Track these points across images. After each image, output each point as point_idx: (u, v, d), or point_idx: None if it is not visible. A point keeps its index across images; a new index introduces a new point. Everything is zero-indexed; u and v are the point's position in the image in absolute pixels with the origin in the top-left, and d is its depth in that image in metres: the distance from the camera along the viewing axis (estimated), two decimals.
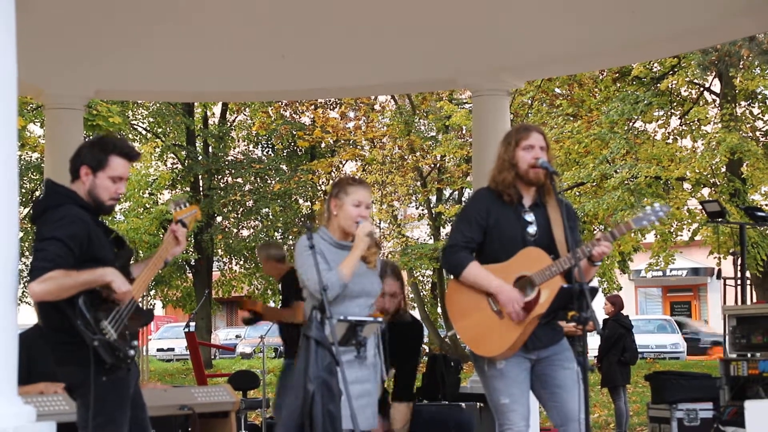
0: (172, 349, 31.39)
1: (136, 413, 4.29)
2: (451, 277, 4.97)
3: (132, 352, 4.11)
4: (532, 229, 4.81)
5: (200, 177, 24.62)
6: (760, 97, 19.26)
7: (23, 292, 13.58)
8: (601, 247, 4.67)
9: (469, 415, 6.65)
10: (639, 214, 4.83)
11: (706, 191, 18.12)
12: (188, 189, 24.60)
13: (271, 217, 24.61)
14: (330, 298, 4.64)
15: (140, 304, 4.26)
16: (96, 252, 4.10)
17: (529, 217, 4.83)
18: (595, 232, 18.12)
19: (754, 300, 13.70)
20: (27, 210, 20.69)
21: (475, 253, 4.85)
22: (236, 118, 26.85)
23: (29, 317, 5.07)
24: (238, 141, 27.11)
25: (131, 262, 4.46)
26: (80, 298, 3.97)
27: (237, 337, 32.87)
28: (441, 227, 23.75)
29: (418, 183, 23.07)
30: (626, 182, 17.07)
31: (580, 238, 4.97)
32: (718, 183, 17.86)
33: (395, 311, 6.12)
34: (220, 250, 25.20)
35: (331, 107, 24.01)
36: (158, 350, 31.15)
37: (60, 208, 4.10)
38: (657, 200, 16.70)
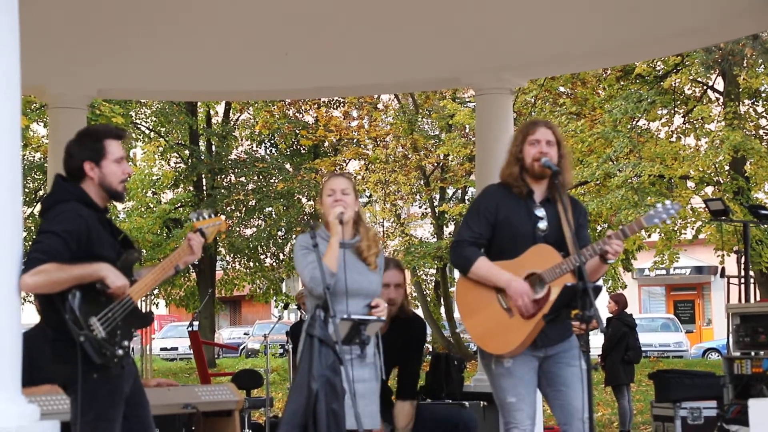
0: (176, 348, 31.43)
1: (137, 411, 4.27)
2: (457, 273, 4.96)
3: (120, 351, 4.05)
4: (543, 225, 4.78)
5: (203, 176, 24.62)
6: (764, 95, 19.25)
7: None
8: (614, 246, 4.64)
9: (472, 415, 6.64)
10: (650, 212, 4.79)
11: (709, 189, 18.11)
12: (191, 188, 24.61)
13: (274, 216, 24.62)
14: (321, 293, 4.68)
15: (142, 305, 4.24)
16: (96, 249, 4.08)
17: (540, 212, 4.81)
18: (599, 230, 18.11)
19: (758, 298, 13.68)
20: (30, 210, 20.71)
21: (483, 249, 4.83)
22: (239, 117, 26.86)
23: (33, 317, 5.07)
24: (242, 140, 27.12)
25: (140, 265, 4.44)
26: (71, 293, 3.95)
27: (245, 334, 32.90)
28: (444, 226, 23.74)
29: (422, 182, 23.06)
30: (630, 181, 17.05)
31: (590, 236, 4.96)
32: (722, 181, 17.85)
33: (401, 304, 6.13)
34: (223, 249, 25.21)
35: (335, 106, 24.01)
36: (162, 349, 31.18)
37: (63, 204, 4.10)
38: (660, 199, 16.69)
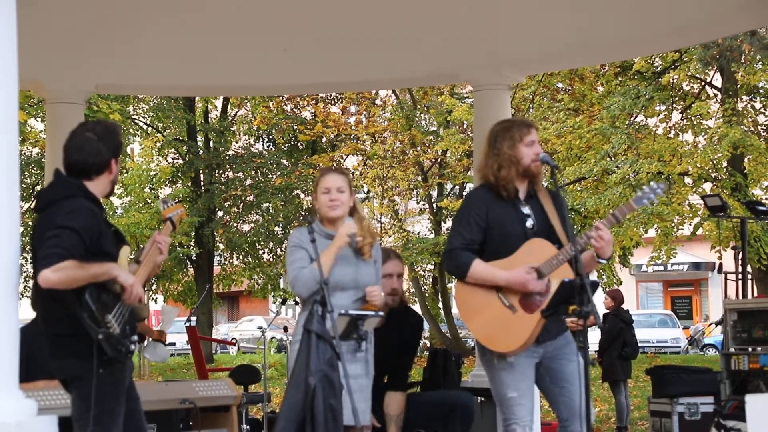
0: (174, 344, 31.41)
1: (130, 405, 4.31)
2: (455, 279, 4.97)
3: (133, 346, 4.14)
4: (530, 222, 4.82)
5: (201, 172, 24.61)
6: (761, 91, 19.25)
7: (24, 286, 13.59)
8: (595, 233, 4.67)
9: (470, 396, 6.63)
10: (638, 194, 4.85)
11: (707, 186, 18.11)
12: (189, 184, 24.60)
13: (272, 211, 24.62)
14: (305, 295, 4.72)
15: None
16: (104, 246, 4.13)
17: (526, 209, 4.85)
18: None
19: (755, 294, 13.70)
20: (28, 205, 20.68)
21: (476, 254, 4.84)
22: (237, 112, 26.84)
23: (29, 312, 5.07)
24: (239, 135, 27.10)
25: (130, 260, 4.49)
26: (88, 291, 3.98)
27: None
28: (442, 222, 23.75)
29: (419, 178, 23.06)
30: (628, 178, 17.05)
31: (572, 226, 4.99)
32: (720, 178, 17.85)
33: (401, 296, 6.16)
34: (221, 245, 25.21)
35: (333, 102, 24.00)
36: None
37: (73, 200, 4.12)
38: (658, 196, 16.65)
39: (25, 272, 12.70)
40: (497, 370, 4.80)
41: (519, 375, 4.76)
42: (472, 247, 4.79)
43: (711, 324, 28.05)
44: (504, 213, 4.81)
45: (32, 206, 4.28)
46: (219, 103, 26.12)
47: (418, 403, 6.27)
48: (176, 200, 23.39)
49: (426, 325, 22.41)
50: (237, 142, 26.78)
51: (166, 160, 25.74)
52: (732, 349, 8.15)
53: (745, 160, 17.78)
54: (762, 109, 19.42)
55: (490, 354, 4.81)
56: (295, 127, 24.32)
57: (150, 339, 6.31)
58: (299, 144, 26.24)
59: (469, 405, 6.43)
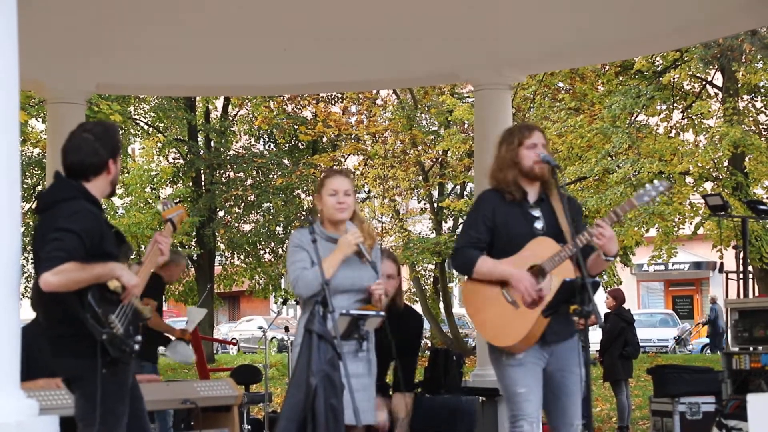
0: None
1: (134, 405, 4.32)
2: (465, 277, 5.03)
3: (137, 346, 4.14)
4: (539, 224, 4.88)
5: (202, 171, 24.59)
6: (762, 90, 19.24)
7: (25, 286, 13.59)
8: (597, 229, 4.69)
9: (472, 403, 6.64)
10: (640, 191, 4.89)
11: (708, 185, 18.10)
12: (190, 184, 24.60)
13: (273, 211, 24.60)
14: (306, 296, 4.72)
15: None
16: (105, 247, 4.14)
17: (536, 212, 4.91)
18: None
19: (756, 293, 13.69)
20: (29, 205, 20.69)
21: (484, 252, 4.89)
22: (238, 112, 26.83)
23: (29, 312, 5.07)
24: (240, 135, 27.09)
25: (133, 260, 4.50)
26: (90, 292, 3.99)
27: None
28: (443, 221, 23.74)
29: (420, 177, 23.05)
30: (628, 177, 17.04)
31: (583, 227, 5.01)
32: (721, 177, 17.84)
33: (394, 297, 6.13)
34: (222, 245, 25.20)
35: (333, 102, 24.00)
36: None
37: (73, 202, 4.13)
38: (661, 196, 16.64)
39: (26, 272, 12.70)
40: (505, 367, 4.86)
41: (528, 371, 4.81)
42: (479, 245, 4.88)
43: (698, 324, 28.19)
44: (510, 214, 4.87)
45: (33, 207, 4.28)
46: (220, 103, 26.09)
47: (422, 407, 6.27)
48: (177, 201, 23.42)
49: (427, 325, 22.41)
50: (238, 142, 26.77)
51: (167, 160, 25.72)
52: (733, 349, 8.15)
53: (746, 159, 17.77)
54: (763, 109, 19.41)
55: (498, 351, 4.88)
56: (296, 127, 24.31)
57: (173, 338, 6.29)
58: (300, 144, 26.23)
59: (471, 410, 6.44)
